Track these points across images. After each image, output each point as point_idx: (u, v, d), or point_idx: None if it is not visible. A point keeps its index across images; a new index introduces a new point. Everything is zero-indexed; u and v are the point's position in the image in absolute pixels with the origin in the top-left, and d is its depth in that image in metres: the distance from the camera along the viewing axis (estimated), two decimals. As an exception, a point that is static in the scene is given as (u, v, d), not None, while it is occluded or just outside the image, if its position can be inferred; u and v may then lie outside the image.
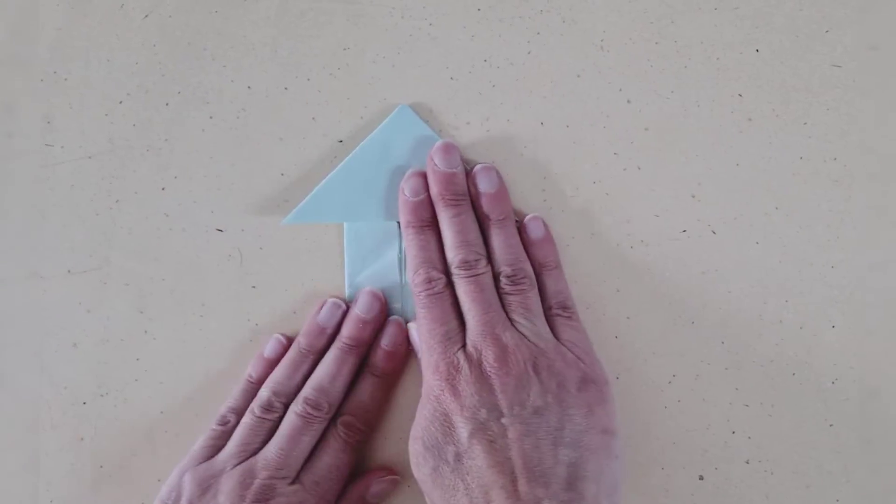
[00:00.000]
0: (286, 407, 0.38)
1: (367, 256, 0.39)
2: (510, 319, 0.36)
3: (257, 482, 0.35)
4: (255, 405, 0.38)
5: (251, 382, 0.39)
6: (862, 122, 0.38)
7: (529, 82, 0.39)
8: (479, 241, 0.37)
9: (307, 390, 0.37)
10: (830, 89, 0.38)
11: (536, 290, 0.37)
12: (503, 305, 0.36)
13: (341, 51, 0.39)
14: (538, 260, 0.38)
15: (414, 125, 0.39)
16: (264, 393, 0.38)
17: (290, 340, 0.39)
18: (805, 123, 0.38)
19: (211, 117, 0.40)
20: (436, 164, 0.38)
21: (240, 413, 0.38)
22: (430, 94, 0.39)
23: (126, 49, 0.40)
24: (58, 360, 0.40)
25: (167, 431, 0.40)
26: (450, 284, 0.37)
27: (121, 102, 0.40)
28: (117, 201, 0.40)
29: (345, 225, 0.39)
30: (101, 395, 0.40)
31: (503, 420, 0.33)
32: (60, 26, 0.40)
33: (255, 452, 0.37)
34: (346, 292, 0.39)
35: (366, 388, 0.38)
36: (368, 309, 0.39)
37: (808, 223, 0.39)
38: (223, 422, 0.38)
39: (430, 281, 0.36)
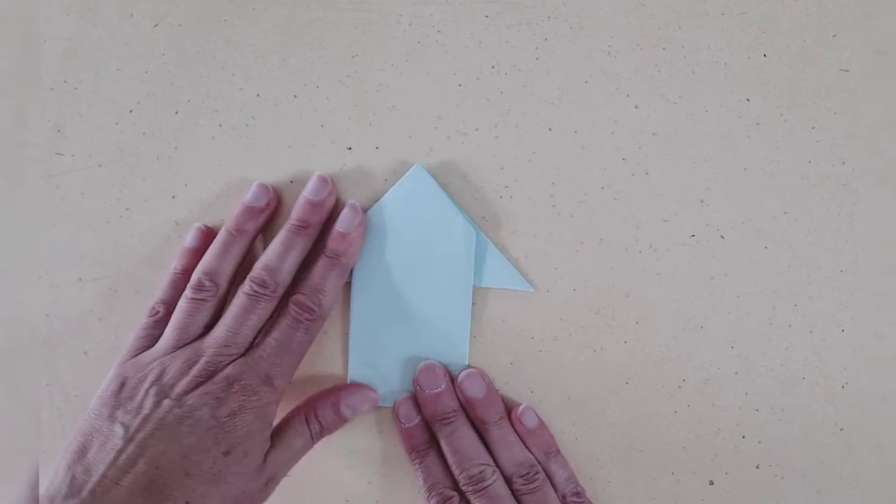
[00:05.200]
0: (218, 287, 0.37)
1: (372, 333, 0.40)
2: None
3: (203, 360, 0.35)
4: (187, 288, 0.37)
5: (177, 274, 0.38)
6: (870, 125, 0.38)
7: (537, 88, 0.39)
8: (480, 449, 0.38)
9: (254, 270, 0.37)
10: (838, 93, 0.38)
11: (549, 482, 0.38)
12: None
13: (350, 58, 0.39)
14: (540, 449, 0.39)
15: (428, 188, 0.39)
16: (194, 275, 0.37)
17: (211, 230, 0.39)
18: (813, 128, 0.38)
19: (220, 125, 0.40)
20: (420, 387, 0.39)
21: (169, 304, 0.37)
22: (438, 101, 0.39)
23: (136, 58, 0.40)
24: (68, 367, 0.40)
25: (178, 438, 0.40)
26: (464, 499, 0.37)
27: (130, 111, 0.40)
28: (127, 209, 0.40)
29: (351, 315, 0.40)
30: (112, 403, 0.40)
31: None
32: (70, 36, 0.40)
33: (197, 336, 0.36)
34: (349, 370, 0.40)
35: (318, 269, 0.37)
36: (317, 191, 0.38)
37: (816, 227, 0.39)
38: (153, 313, 0.37)
39: (445, 501, 0.37)
